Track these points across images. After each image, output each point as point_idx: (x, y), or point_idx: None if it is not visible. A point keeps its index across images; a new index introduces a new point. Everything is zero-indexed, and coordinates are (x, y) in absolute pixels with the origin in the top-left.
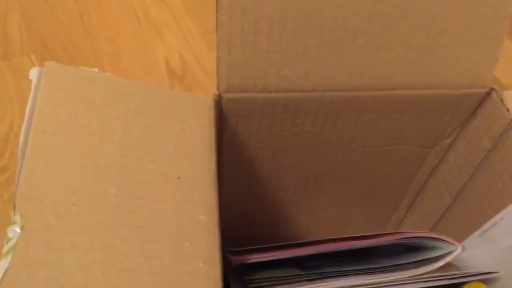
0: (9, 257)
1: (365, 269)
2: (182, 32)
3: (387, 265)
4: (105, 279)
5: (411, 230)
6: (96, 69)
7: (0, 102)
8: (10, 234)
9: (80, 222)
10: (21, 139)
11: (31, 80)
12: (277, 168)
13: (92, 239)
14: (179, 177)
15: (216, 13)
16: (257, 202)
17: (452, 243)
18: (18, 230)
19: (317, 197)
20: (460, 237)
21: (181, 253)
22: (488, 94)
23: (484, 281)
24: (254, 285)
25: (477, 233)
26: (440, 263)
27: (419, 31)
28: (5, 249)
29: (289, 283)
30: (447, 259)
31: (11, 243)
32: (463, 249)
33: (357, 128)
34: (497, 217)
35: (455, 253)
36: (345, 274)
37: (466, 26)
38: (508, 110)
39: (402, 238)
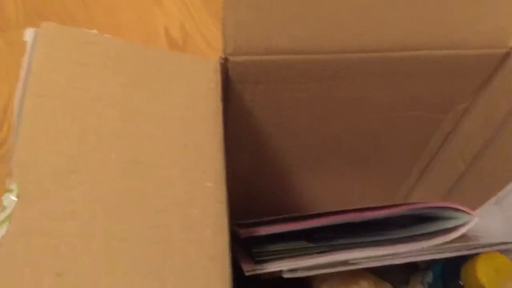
0: (5, 227)
1: (377, 240)
2: (182, 0)
3: (400, 236)
4: (107, 248)
5: (424, 201)
6: (95, 31)
7: None
8: (5, 203)
9: (80, 190)
10: (16, 103)
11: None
12: (285, 137)
13: (93, 207)
14: (185, 144)
15: None
16: (263, 172)
17: (468, 213)
18: (14, 198)
19: (324, 167)
20: (474, 206)
21: (188, 221)
22: (508, 54)
23: (500, 251)
24: (262, 258)
25: (492, 200)
26: (456, 233)
27: None
28: (0, 218)
29: (299, 255)
30: (463, 230)
31: (7, 212)
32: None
33: (366, 93)
34: None
35: (472, 224)
36: (356, 246)
37: None
38: None
39: (417, 209)
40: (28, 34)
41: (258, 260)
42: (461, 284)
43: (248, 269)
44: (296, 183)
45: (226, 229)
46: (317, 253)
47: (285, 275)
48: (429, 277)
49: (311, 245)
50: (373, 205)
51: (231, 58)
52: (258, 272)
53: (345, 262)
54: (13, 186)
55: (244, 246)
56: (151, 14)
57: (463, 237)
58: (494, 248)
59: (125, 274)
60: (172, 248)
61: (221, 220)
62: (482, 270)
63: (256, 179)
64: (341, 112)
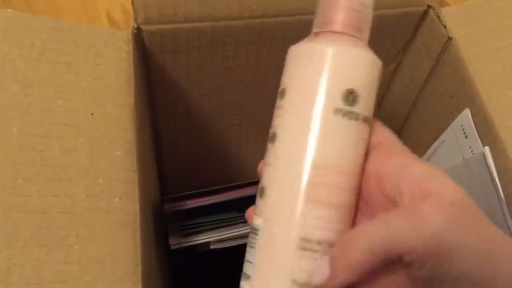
0: None
1: None
2: None
3: None
4: (7, 220)
5: None
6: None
7: None
8: None
9: None
10: None
11: None
12: (217, 108)
13: None
14: (92, 114)
15: None
16: (201, 146)
17: None
18: None
19: (263, 138)
20: None
21: (94, 190)
22: (426, 12)
23: None
24: (188, 231)
25: (423, 159)
26: None
27: None
28: None
29: (225, 226)
30: None
31: None
32: None
33: None
34: (439, 140)
35: None
36: None
37: None
38: (445, 27)
39: None
40: None
41: (185, 233)
42: None
43: (174, 242)
44: (237, 156)
45: (138, 197)
46: (243, 222)
47: (213, 246)
48: None
49: (238, 214)
50: None
51: (143, 27)
52: (184, 245)
53: None
54: None
55: (174, 221)
56: None
57: None
58: None
59: (25, 244)
60: (76, 217)
61: (131, 188)
62: None
63: (195, 153)
64: (271, 80)
